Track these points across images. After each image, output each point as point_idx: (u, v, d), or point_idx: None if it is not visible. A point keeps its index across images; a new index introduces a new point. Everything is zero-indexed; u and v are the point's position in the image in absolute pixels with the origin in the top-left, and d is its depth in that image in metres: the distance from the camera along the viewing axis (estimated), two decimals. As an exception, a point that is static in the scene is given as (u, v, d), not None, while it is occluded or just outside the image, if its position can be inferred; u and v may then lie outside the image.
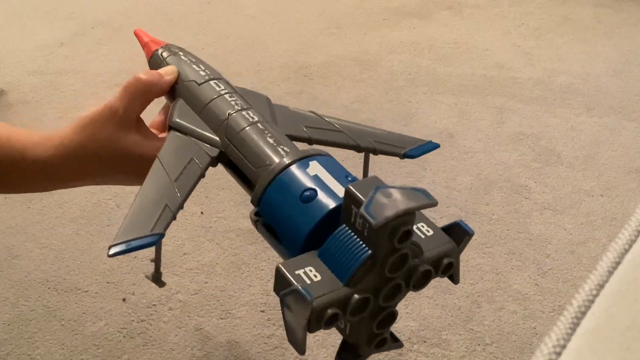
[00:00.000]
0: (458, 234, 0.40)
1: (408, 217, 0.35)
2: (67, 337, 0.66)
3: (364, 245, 0.36)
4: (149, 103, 0.52)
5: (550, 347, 0.23)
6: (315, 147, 0.49)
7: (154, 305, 0.70)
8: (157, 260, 0.44)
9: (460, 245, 0.40)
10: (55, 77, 1.15)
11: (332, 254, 0.37)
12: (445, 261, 0.39)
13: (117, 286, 0.73)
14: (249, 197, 0.49)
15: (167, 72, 0.53)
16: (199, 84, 0.52)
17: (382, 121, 1.07)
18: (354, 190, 0.36)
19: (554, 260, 0.80)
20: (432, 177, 0.94)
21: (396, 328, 0.72)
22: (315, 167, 0.42)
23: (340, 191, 0.40)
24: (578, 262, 0.80)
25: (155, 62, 0.57)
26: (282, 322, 0.71)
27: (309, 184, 0.41)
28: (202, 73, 0.53)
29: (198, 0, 1.50)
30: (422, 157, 1.04)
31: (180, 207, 0.43)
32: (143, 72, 0.51)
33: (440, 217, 0.86)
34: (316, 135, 0.51)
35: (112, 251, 0.38)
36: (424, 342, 0.68)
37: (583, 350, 0.22)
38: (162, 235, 0.40)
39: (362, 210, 0.34)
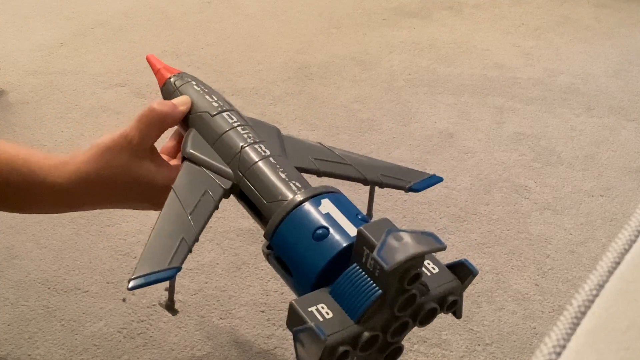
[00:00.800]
0: (462, 272, 0.41)
1: (418, 260, 0.37)
2: (67, 337, 0.66)
3: (374, 285, 0.37)
4: (162, 132, 0.53)
5: (550, 347, 0.23)
6: (324, 179, 0.52)
7: (154, 305, 0.70)
8: (170, 291, 0.46)
9: (465, 283, 0.41)
10: (55, 77, 1.15)
11: (343, 292, 0.38)
12: (450, 299, 0.41)
13: (117, 286, 0.73)
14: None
15: (181, 103, 0.54)
16: (212, 115, 0.53)
17: (382, 121, 1.07)
18: (366, 232, 0.37)
19: (554, 260, 0.80)
20: (432, 177, 0.94)
21: (396, 328, 0.72)
22: (327, 205, 0.43)
23: (351, 230, 0.41)
24: (578, 262, 0.80)
25: (168, 90, 0.57)
26: (282, 322, 0.71)
27: (322, 222, 0.42)
28: (215, 104, 0.54)
29: (198, 0, 1.50)
30: (422, 157, 1.04)
31: (196, 240, 0.44)
32: (157, 102, 0.52)
33: (441, 217, 0.86)
34: (325, 168, 0.52)
35: (131, 284, 0.40)
36: (424, 342, 0.68)
37: (583, 350, 0.22)
38: (179, 269, 0.42)
39: (374, 254, 0.35)
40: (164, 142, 0.57)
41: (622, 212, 0.89)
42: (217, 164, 0.50)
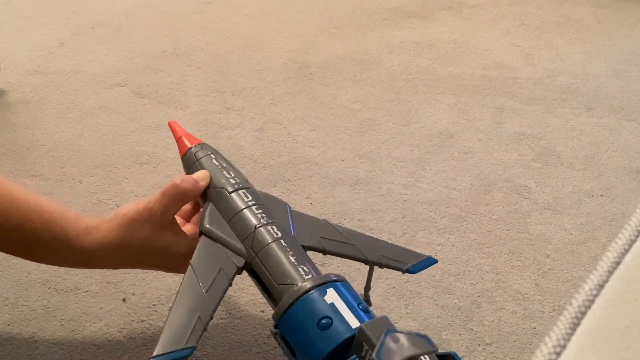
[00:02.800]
0: None
1: None
2: (67, 337, 0.66)
3: None
4: (183, 205, 0.58)
5: (550, 347, 0.23)
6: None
7: (154, 305, 0.70)
8: None
9: None
10: (55, 77, 1.15)
11: None
12: None
13: (117, 286, 0.73)
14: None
15: (201, 178, 0.59)
16: (229, 193, 0.57)
17: (382, 121, 1.07)
18: (367, 331, 0.42)
19: (554, 260, 0.80)
20: (432, 177, 0.94)
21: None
22: (331, 294, 0.48)
23: (353, 321, 0.46)
24: (578, 262, 0.80)
25: (189, 160, 0.62)
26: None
27: (326, 312, 0.46)
28: (232, 181, 0.58)
29: (198, 0, 1.50)
30: (422, 157, 1.04)
31: (211, 318, 0.49)
32: (180, 179, 0.57)
33: (441, 216, 0.86)
34: (330, 247, 0.56)
35: None
36: (424, 342, 0.68)
37: (583, 350, 0.22)
38: (194, 348, 0.47)
39: (374, 355, 0.40)
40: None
41: (622, 212, 0.89)
42: (232, 242, 0.54)
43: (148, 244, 0.57)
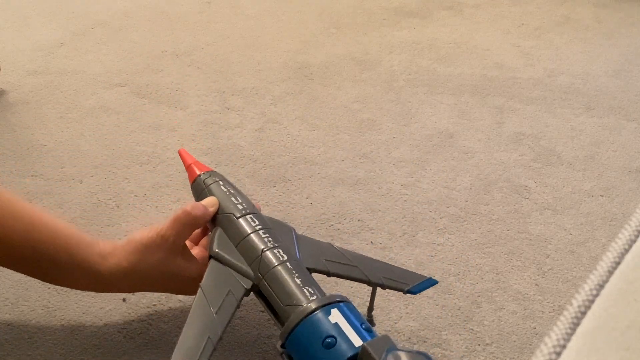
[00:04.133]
0: None
1: None
2: (67, 337, 0.66)
3: None
4: (193, 231, 0.61)
5: (550, 347, 0.23)
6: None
7: (154, 305, 0.70)
8: None
9: None
10: (55, 77, 1.15)
11: None
12: None
13: (117, 286, 0.73)
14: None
15: (210, 204, 0.61)
16: (237, 218, 0.60)
17: (382, 121, 1.07)
18: (369, 349, 0.44)
19: (554, 260, 0.80)
20: (432, 177, 0.94)
21: (396, 328, 0.72)
22: (336, 315, 0.49)
23: (356, 340, 0.47)
24: (578, 262, 0.80)
25: (198, 187, 0.65)
26: (282, 322, 0.70)
27: (331, 331, 0.48)
28: (240, 207, 0.61)
29: (198, 0, 1.50)
30: (422, 157, 1.04)
31: (220, 338, 0.51)
32: (191, 206, 0.59)
33: (441, 217, 0.86)
34: (334, 269, 0.58)
35: None
36: (424, 342, 0.68)
37: (583, 350, 0.22)
38: None
39: None
40: None
41: (622, 212, 0.89)
42: (240, 265, 0.56)
43: (160, 268, 0.59)
